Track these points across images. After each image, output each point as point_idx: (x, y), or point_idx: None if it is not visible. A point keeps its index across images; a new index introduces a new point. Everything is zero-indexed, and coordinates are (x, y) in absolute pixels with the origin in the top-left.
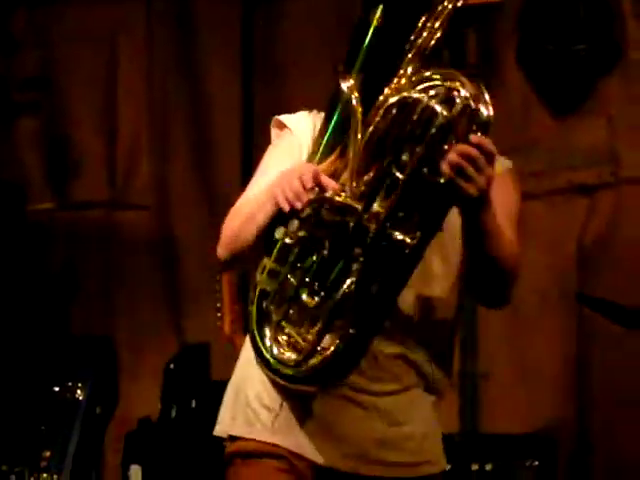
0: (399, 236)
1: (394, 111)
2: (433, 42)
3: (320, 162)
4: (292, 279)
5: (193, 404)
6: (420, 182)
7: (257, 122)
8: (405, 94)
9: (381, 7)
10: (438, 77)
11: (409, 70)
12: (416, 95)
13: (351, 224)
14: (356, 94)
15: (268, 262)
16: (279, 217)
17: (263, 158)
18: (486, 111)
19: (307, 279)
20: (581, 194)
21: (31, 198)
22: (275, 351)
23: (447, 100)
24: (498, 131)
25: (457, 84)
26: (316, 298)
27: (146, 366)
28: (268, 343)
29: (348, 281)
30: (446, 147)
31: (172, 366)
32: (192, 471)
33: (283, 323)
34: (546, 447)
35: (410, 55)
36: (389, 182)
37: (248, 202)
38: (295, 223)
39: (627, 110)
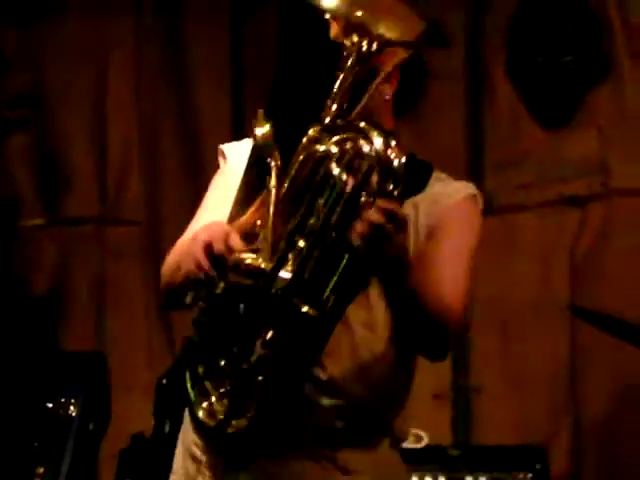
0: (303, 308)
1: (308, 165)
2: (352, 82)
3: (240, 214)
4: (214, 341)
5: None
6: (328, 247)
7: (247, 137)
8: (316, 147)
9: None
10: (349, 130)
11: (331, 111)
12: (321, 149)
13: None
14: (270, 142)
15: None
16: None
17: (208, 190)
18: (396, 161)
19: (224, 343)
20: (572, 206)
21: (22, 214)
22: (200, 413)
23: (354, 161)
24: (489, 144)
25: (362, 142)
26: (232, 363)
27: (138, 382)
28: (194, 401)
29: (259, 348)
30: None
31: (164, 381)
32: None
33: (207, 384)
34: (539, 459)
35: (331, 98)
36: (298, 244)
37: (181, 246)
38: (202, 290)
39: (617, 121)
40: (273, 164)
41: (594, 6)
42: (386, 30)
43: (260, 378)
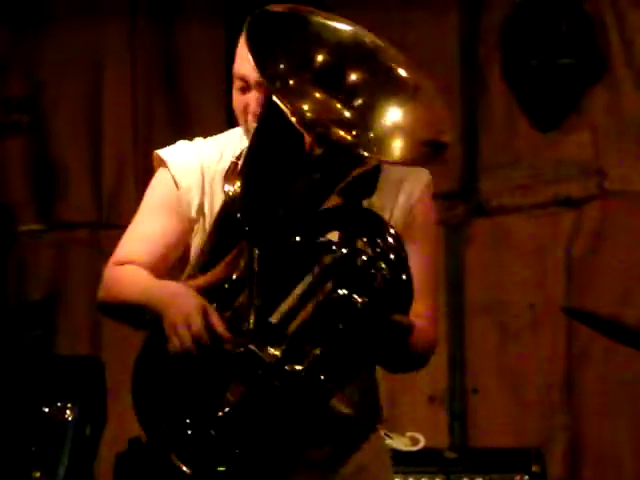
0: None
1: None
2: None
3: (207, 268)
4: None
5: None
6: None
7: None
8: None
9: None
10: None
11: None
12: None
13: (259, 373)
14: (240, 203)
15: None
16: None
17: (144, 198)
18: (403, 290)
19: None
20: (567, 207)
21: (17, 219)
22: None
23: (364, 283)
24: (483, 146)
25: (377, 260)
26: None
27: None
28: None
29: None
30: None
31: None
32: None
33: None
34: (536, 461)
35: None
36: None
37: (131, 278)
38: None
39: (612, 123)
40: (253, 238)
41: (589, 8)
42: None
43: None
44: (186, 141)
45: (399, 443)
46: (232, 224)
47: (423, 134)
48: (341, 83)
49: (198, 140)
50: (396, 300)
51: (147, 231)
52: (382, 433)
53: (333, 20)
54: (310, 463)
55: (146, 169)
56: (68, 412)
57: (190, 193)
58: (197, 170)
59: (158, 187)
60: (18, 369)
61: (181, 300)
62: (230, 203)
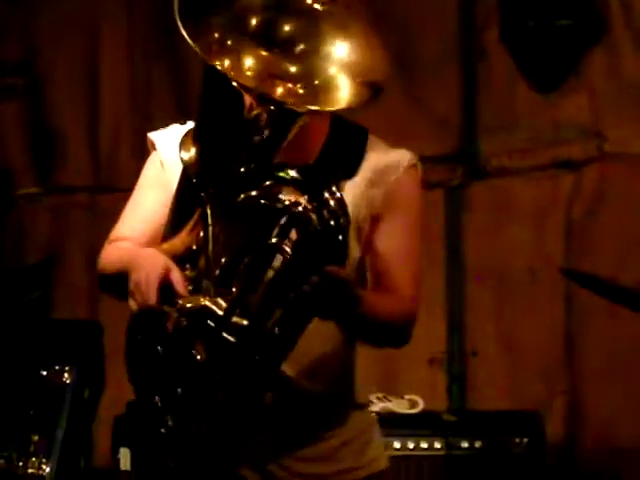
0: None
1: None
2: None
3: (172, 235)
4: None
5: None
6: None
7: None
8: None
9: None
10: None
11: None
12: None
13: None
14: (196, 168)
15: None
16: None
17: (139, 179)
18: (333, 244)
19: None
20: (566, 169)
21: (15, 183)
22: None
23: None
24: (482, 108)
25: (309, 212)
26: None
27: None
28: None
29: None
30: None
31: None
32: (181, 453)
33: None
34: (534, 424)
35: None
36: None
37: (118, 250)
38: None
39: (611, 84)
40: (208, 199)
41: None
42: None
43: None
44: (178, 125)
45: (398, 406)
46: (189, 189)
47: (362, 76)
48: (277, 36)
49: (190, 124)
50: (328, 248)
51: (139, 209)
52: (374, 407)
53: None
54: (288, 442)
55: (143, 133)
56: (66, 375)
57: (173, 171)
58: (177, 137)
59: (149, 168)
60: (16, 333)
61: (146, 260)
62: (187, 169)
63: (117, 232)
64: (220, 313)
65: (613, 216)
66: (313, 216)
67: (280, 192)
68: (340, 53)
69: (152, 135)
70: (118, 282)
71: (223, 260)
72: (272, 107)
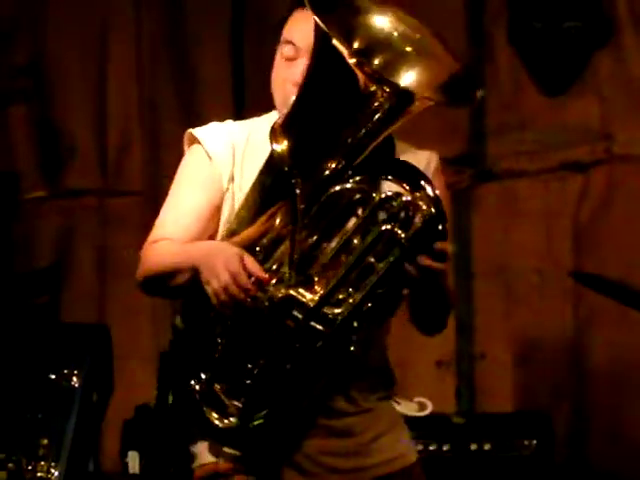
0: (319, 327)
1: (351, 201)
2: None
3: (248, 223)
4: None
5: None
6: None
7: (248, 105)
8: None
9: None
10: (399, 187)
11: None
12: (377, 198)
13: (300, 317)
14: (288, 160)
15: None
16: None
17: (177, 177)
18: (441, 225)
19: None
20: (575, 172)
21: (23, 186)
22: (214, 420)
23: (406, 221)
24: (491, 111)
25: (418, 201)
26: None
27: (141, 352)
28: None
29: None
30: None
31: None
32: (189, 457)
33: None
34: (544, 426)
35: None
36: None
37: (167, 247)
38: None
39: (619, 86)
40: (298, 189)
41: None
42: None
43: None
44: (217, 122)
45: (407, 409)
46: (276, 180)
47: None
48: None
49: (228, 121)
50: (434, 237)
51: (183, 206)
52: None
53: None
54: (329, 430)
55: (151, 135)
56: (75, 379)
57: (222, 164)
58: (228, 145)
59: (191, 162)
60: (24, 337)
61: (217, 251)
62: (277, 160)
63: (159, 231)
64: (309, 302)
65: (621, 218)
66: (422, 204)
67: (379, 184)
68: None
69: (194, 131)
70: (167, 278)
71: (308, 248)
72: (387, 88)
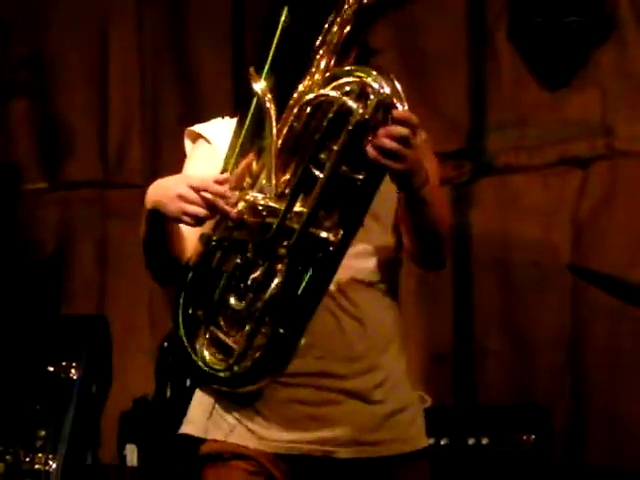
0: (323, 234)
1: (309, 109)
2: (343, 37)
3: (233, 166)
4: (217, 283)
5: (188, 383)
6: (340, 179)
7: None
8: (320, 92)
9: (286, 7)
10: (350, 73)
11: (321, 66)
12: (331, 93)
13: (274, 225)
14: (269, 95)
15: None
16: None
17: (189, 161)
18: (400, 105)
19: (233, 282)
20: (575, 167)
21: (24, 178)
22: (206, 356)
23: (361, 96)
24: (491, 105)
25: (369, 79)
26: (243, 301)
27: (140, 344)
28: (198, 349)
29: (275, 282)
30: (364, 142)
31: (166, 344)
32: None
33: (212, 328)
34: (543, 420)
35: (321, 52)
36: (309, 181)
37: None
38: (221, 228)
39: (620, 82)
40: (272, 114)
41: None
42: None
43: (275, 310)
44: (219, 118)
45: None
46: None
47: None
48: None
49: (227, 118)
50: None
51: None
52: None
53: None
54: (352, 394)
55: (152, 128)
56: (73, 371)
57: (222, 145)
58: (225, 128)
59: (196, 154)
60: (24, 328)
61: (162, 182)
62: (260, 97)
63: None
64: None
65: (621, 213)
66: (376, 84)
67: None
68: None
69: (197, 127)
70: (153, 245)
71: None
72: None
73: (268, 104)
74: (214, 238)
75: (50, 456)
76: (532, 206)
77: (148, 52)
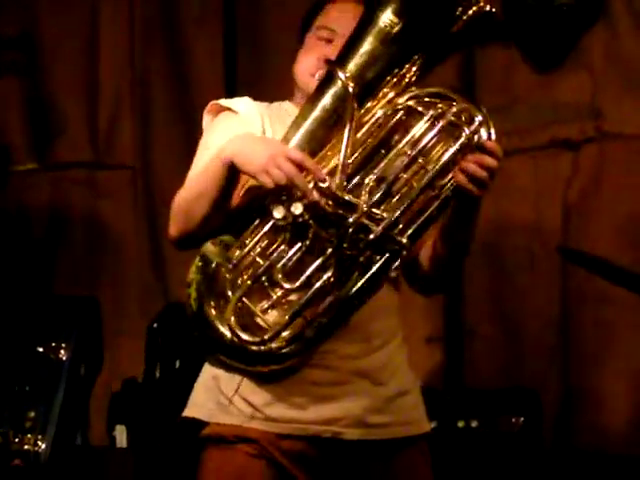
0: (403, 240)
1: (400, 114)
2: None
3: (315, 149)
4: (261, 260)
5: (177, 364)
6: (425, 195)
7: (240, 81)
8: (418, 107)
9: (393, 13)
10: (439, 95)
11: (412, 72)
12: (426, 112)
13: (350, 220)
14: (352, 84)
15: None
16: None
17: (204, 138)
18: (492, 135)
19: (286, 263)
20: (565, 149)
21: (14, 159)
22: (236, 329)
23: (457, 130)
24: (481, 87)
25: (467, 105)
26: (290, 285)
27: (131, 326)
28: (226, 319)
29: (328, 274)
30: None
31: (156, 325)
32: (176, 431)
33: (245, 300)
34: (532, 402)
35: (415, 66)
36: (396, 189)
37: (196, 176)
38: (299, 207)
39: (610, 64)
40: (355, 104)
41: None
42: None
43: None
44: (238, 97)
45: None
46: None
47: None
48: None
49: (247, 99)
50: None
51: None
52: None
53: None
54: (360, 373)
55: (142, 109)
56: (63, 352)
57: (250, 117)
58: (254, 108)
59: (217, 123)
60: (14, 308)
61: (247, 137)
62: (344, 84)
63: (185, 185)
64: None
65: (611, 196)
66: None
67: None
68: None
69: (221, 101)
70: (204, 201)
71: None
72: None
73: (351, 90)
74: (291, 215)
75: (39, 437)
76: (523, 188)
77: (139, 32)
